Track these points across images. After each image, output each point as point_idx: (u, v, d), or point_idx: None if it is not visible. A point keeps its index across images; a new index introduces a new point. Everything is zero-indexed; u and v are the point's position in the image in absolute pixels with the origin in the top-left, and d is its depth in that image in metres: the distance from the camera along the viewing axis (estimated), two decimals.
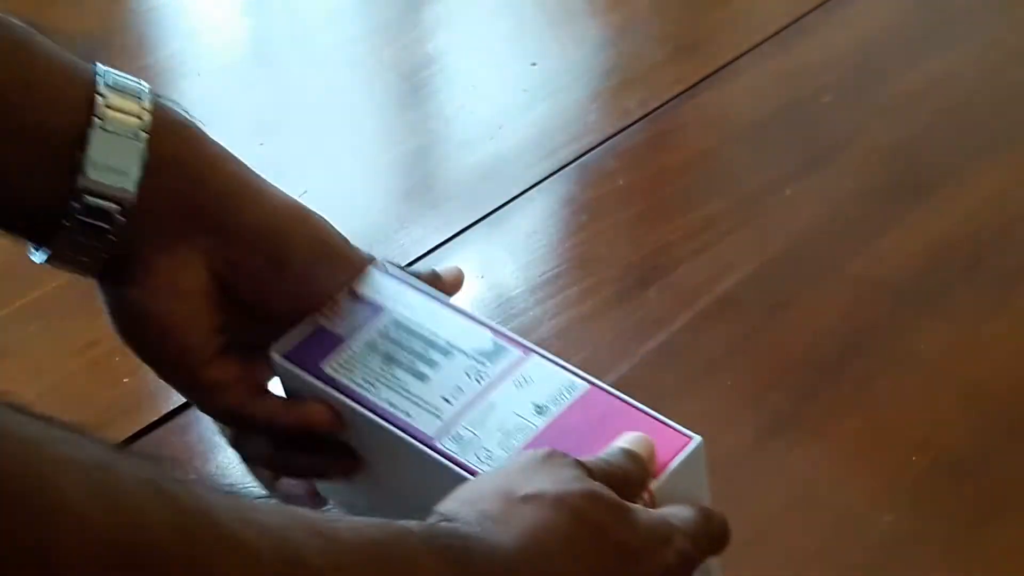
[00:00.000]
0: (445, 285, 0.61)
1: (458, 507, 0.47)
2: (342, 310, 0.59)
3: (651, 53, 1.03)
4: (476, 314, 0.58)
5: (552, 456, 0.50)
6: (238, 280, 0.55)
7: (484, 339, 0.57)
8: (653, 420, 0.54)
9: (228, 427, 0.60)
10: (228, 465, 0.69)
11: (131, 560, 0.35)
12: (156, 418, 0.72)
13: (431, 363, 0.57)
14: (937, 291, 0.80)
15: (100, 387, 0.74)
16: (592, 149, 0.91)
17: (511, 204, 0.87)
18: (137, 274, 0.54)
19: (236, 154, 0.56)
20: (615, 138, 0.92)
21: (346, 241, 0.58)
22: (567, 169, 0.89)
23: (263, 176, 0.56)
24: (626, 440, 0.53)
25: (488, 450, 0.54)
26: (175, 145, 0.52)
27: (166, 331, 0.55)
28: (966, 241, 0.83)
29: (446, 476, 0.53)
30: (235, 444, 0.60)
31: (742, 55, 0.99)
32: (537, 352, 0.57)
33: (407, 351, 0.57)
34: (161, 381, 0.56)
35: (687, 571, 0.50)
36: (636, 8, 1.09)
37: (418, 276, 0.61)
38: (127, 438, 0.70)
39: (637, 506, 0.50)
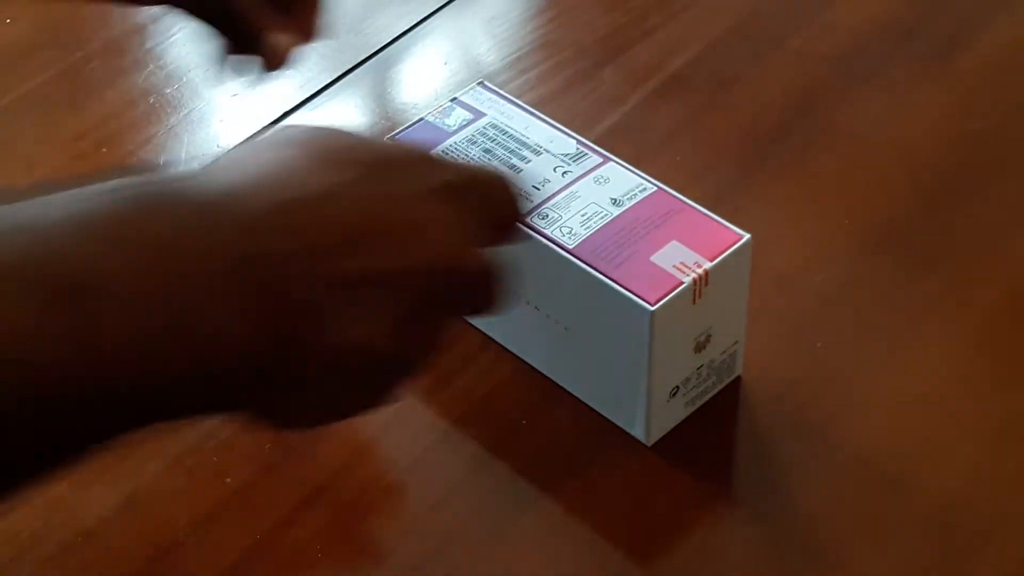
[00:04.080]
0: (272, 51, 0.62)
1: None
2: (447, 112, 0.66)
3: None
4: (563, 127, 0.65)
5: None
6: None
7: (570, 145, 0.64)
8: (709, 218, 0.60)
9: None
10: None
11: None
12: None
13: (523, 159, 0.63)
14: (874, 63, 0.80)
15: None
16: None
17: None
18: None
19: None
20: None
21: None
22: None
23: None
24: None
25: (571, 228, 0.60)
26: None
27: None
28: (903, 13, 0.83)
29: (536, 248, 0.60)
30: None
31: None
32: (614, 159, 0.63)
33: (502, 147, 0.64)
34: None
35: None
36: None
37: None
38: None
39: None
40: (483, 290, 0.45)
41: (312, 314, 0.40)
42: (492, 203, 0.46)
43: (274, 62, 0.62)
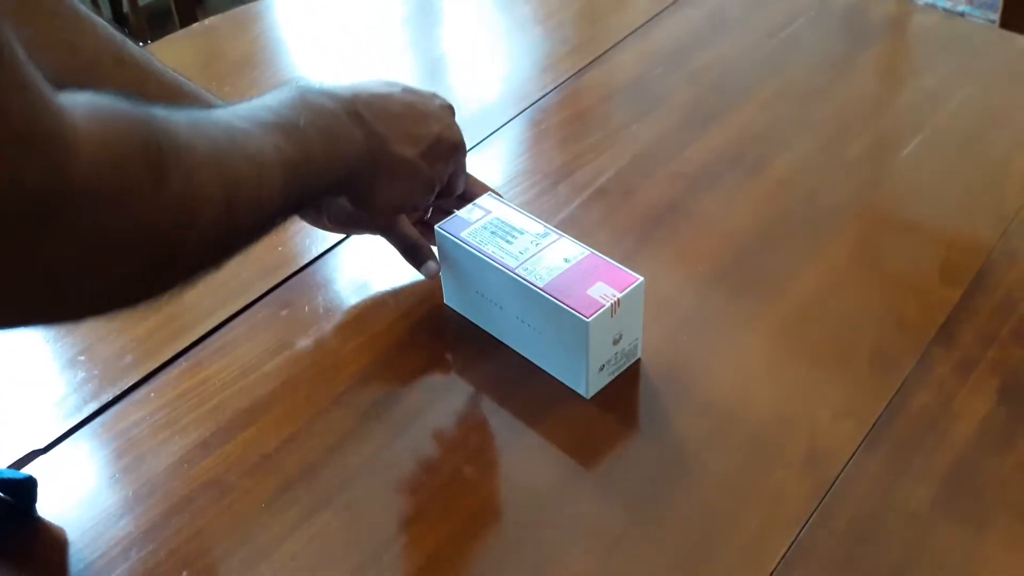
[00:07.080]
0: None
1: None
2: (470, 210, 0.68)
3: (558, 50, 1.01)
4: (536, 218, 0.67)
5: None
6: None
7: (539, 228, 0.66)
8: (620, 269, 0.62)
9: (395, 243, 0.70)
10: None
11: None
12: None
13: (513, 236, 0.65)
14: (713, 178, 0.82)
15: None
16: (526, 108, 0.91)
17: (483, 140, 0.87)
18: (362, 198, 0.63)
19: None
20: (539, 101, 0.92)
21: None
22: (514, 120, 0.90)
23: None
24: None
25: (541, 275, 0.63)
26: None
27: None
28: (729, 149, 0.85)
29: (519, 288, 0.62)
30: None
31: (611, 48, 0.99)
32: (565, 236, 0.65)
33: (501, 230, 0.66)
34: None
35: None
36: (549, 22, 1.07)
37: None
38: None
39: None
40: (460, 155, 0.63)
41: (384, 140, 0.56)
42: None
43: (428, 275, 0.70)
